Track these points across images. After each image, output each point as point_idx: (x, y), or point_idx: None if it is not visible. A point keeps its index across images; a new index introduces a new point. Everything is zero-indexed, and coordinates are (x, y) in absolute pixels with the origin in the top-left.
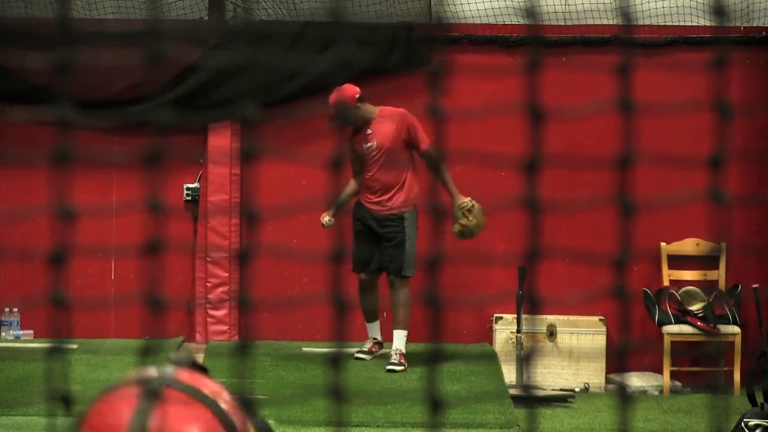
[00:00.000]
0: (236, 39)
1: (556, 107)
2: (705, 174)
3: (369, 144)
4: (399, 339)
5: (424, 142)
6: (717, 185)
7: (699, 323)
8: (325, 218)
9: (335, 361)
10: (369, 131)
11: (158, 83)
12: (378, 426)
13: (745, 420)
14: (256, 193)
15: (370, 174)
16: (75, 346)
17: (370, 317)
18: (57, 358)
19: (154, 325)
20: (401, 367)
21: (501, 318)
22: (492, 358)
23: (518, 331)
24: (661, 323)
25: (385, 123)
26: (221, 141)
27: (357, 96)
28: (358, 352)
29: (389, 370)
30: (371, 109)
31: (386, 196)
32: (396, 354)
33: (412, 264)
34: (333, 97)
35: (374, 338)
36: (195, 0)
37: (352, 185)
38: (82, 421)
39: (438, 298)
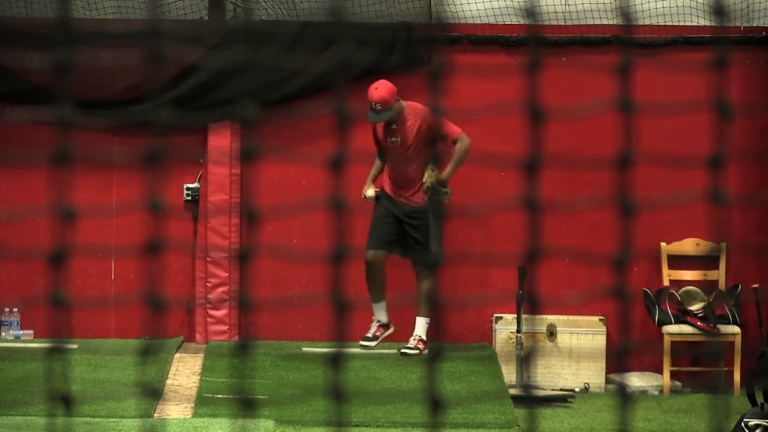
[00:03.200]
0: (236, 39)
1: (556, 107)
2: (705, 174)
3: (394, 139)
4: (420, 326)
5: (451, 134)
6: (717, 185)
7: (699, 323)
8: (368, 192)
9: (335, 361)
10: (394, 126)
11: (158, 83)
12: (378, 426)
13: (745, 420)
14: (256, 193)
15: (394, 167)
16: (75, 346)
17: (377, 297)
18: (57, 358)
19: (154, 325)
20: (415, 351)
21: (501, 318)
22: (492, 358)
23: (518, 331)
24: (661, 323)
25: (409, 119)
26: (221, 141)
27: (395, 91)
28: (363, 339)
29: (402, 353)
30: (401, 104)
31: (410, 191)
32: (414, 339)
33: (438, 255)
34: (377, 94)
35: (379, 321)
36: (195, 0)
37: (377, 163)
38: None
39: (438, 298)
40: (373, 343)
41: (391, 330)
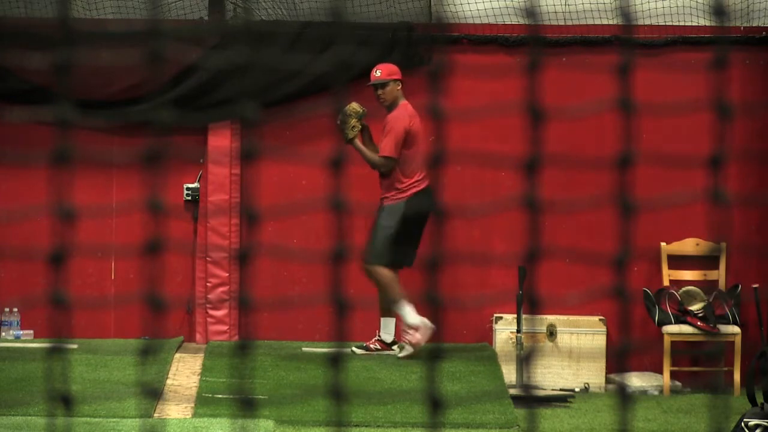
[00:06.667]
0: (236, 39)
1: (556, 107)
2: (705, 174)
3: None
4: (390, 326)
5: (382, 147)
6: (717, 185)
7: (699, 323)
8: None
9: (335, 361)
10: (386, 119)
11: (158, 83)
12: (378, 426)
13: (745, 420)
14: (256, 193)
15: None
16: (75, 346)
17: (382, 311)
18: (57, 358)
19: (154, 325)
20: (409, 351)
21: (501, 318)
22: (492, 358)
23: (518, 331)
24: (661, 323)
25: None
26: (221, 141)
27: (396, 72)
28: (357, 346)
29: (400, 359)
30: (399, 99)
31: (385, 190)
32: (400, 342)
33: (380, 254)
34: (380, 65)
35: (378, 337)
36: (195, 0)
37: None
38: None
39: (438, 298)
40: (360, 351)
41: (387, 350)
